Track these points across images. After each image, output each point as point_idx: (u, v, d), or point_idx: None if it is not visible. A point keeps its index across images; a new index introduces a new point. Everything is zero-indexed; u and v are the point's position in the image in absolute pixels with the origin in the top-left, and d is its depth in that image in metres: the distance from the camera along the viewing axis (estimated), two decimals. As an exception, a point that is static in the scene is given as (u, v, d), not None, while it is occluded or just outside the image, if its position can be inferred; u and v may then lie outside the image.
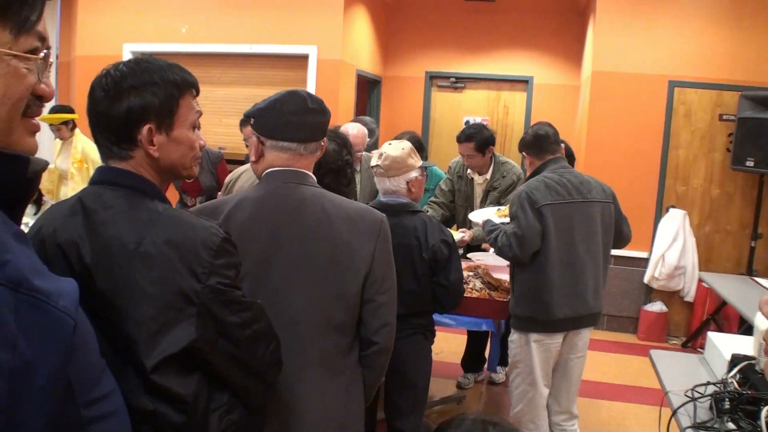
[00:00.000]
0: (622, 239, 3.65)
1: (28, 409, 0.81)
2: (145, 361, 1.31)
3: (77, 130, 5.99)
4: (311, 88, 6.91)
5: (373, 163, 3.04)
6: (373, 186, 4.80)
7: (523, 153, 3.64)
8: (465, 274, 3.75)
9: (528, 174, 3.64)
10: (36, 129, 0.97)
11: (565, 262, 3.35)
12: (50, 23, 9.02)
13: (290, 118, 1.90)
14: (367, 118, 5.59)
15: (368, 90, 8.56)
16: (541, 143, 3.55)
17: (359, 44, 7.49)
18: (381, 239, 1.96)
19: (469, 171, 4.80)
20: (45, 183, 5.79)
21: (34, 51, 0.94)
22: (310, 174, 1.97)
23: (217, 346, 1.41)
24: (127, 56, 7.50)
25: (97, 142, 1.49)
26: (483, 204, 4.80)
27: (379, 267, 1.94)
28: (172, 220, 1.41)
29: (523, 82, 8.29)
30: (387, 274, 1.99)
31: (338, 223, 1.88)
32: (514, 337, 3.50)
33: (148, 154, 1.45)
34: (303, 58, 6.98)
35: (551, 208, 3.31)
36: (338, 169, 2.51)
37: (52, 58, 0.99)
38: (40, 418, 0.83)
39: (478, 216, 4.14)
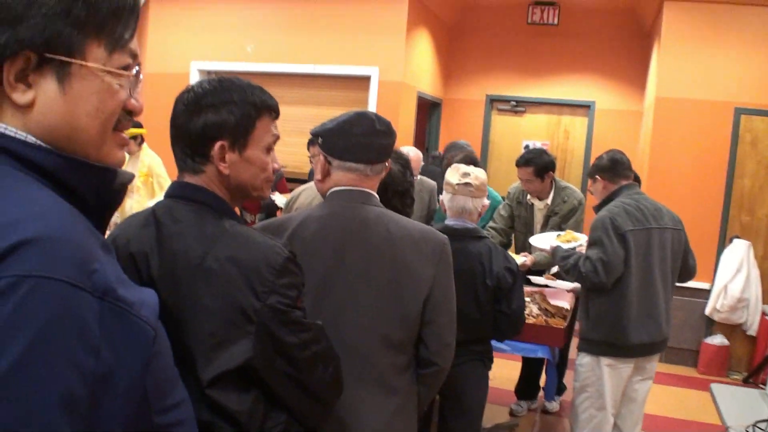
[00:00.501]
0: (688, 272, 3.65)
1: (107, 415, 0.84)
2: (202, 375, 1.35)
3: (144, 145, 6.16)
4: (372, 108, 6.97)
5: (456, 180, 3.02)
6: (424, 209, 4.81)
7: (597, 177, 3.63)
8: (522, 298, 3.74)
9: (600, 199, 3.63)
10: (125, 143, 1.02)
11: (642, 288, 3.37)
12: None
13: (359, 139, 1.94)
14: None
15: (428, 112, 8.60)
16: (617, 168, 3.57)
17: (421, 66, 7.55)
18: (442, 262, 1.97)
19: (529, 196, 4.78)
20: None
21: (127, 68, 0.98)
22: (375, 194, 1.99)
23: (275, 365, 1.42)
24: (194, 74, 7.74)
25: (174, 154, 1.54)
26: (543, 229, 4.76)
27: (439, 289, 1.95)
28: (236, 237, 1.44)
29: (585, 107, 8.21)
30: (447, 297, 2.00)
31: (401, 244, 1.90)
32: (584, 360, 3.49)
33: (219, 171, 1.49)
34: (365, 80, 7.07)
35: (633, 234, 3.33)
36: (404, 191, 2.54)
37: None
38: (118, 423, 0.86)
39: (539, 241, 4.11)
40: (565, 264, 3.49)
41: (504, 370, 5.50)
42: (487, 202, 3.08)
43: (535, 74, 8.28)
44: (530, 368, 4.90)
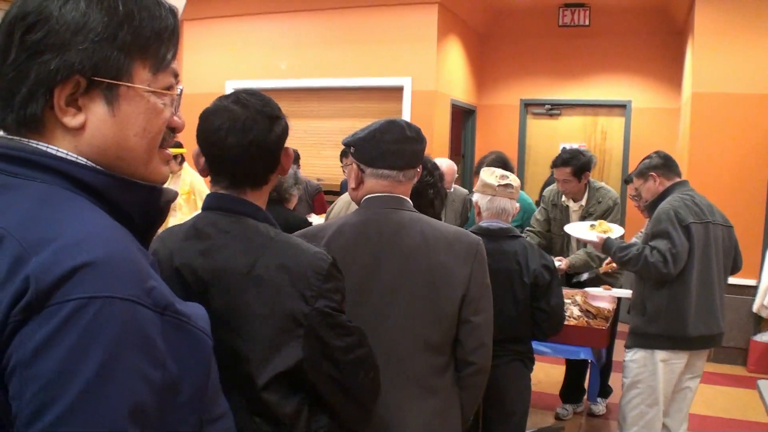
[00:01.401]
0: (735, 268, 3.67)
1: (174, 424, 0.89)
2: (258, 380, 1.40)
3: (185, 164, 6.29)
4: (406, 118, 6.95)
5: (496, 182, 3.04)
6: (457, 218, 4.83)
7: (651, 174, 3.60)
8: (562, 300, 3.74)
9: (653, 196, 3.61)
10: (168, 158, 1.06)
11: (702, 281, 3.38)
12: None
13: (390, 146, 1.98)
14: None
15: (463, 120, 8.62)
16: (670, 164, 3.60)
17: (453, 74, 7.59)
18: (477, 261, 2.00)
19: (563, 198, 4.77)
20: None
21: (170, 87, 1.02)
22: (407, 199, 2.04)
23: (321, 368, 1.47)
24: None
25: (213, 169, 1.61)
26: None
27: (475, 288, 1.98)
28: (283, 245, 1.50)
29: (621, 107, 8.15)
30: (483, 295, 2.03)
31: (435, 246, 1.94)
32: (636, 356, 3.48)
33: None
34: (398, 90, 7.13)
35: (695, 226, 3.35)
36: (418, 190, 2.57)
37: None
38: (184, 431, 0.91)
39: (574, 229, 4.15)
40: (626, 254, 3.45)
41: (549, 376, 5.48)
42: (518, 204, 3.12)
43: (569, 76, 8.26)
44: (574, 371, 4.87)
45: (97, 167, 0.94)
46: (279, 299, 1.43)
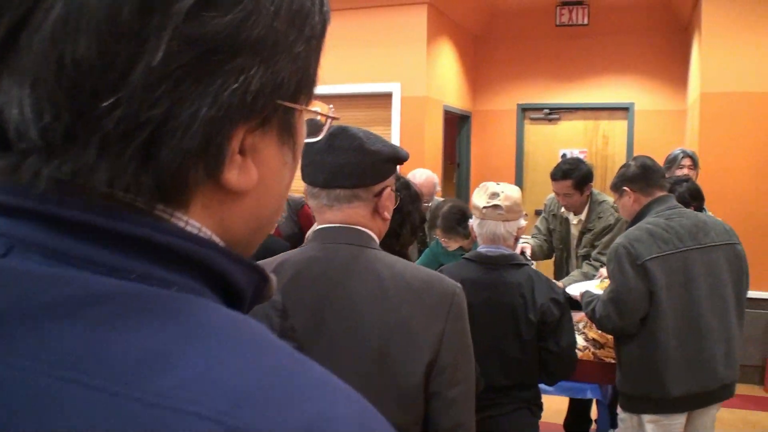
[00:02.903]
0: None
1: None
2: None
3: None
4: (396, 126, 6.64)
5: (483, 202, 2.62)
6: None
7: (625, 189, 3.03)
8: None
9: (631, 217, 3.07)
10: None
11: (684, 327, 2.76)
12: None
13: (314, 157, 1.56)
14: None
15: (457, 126, 8.22)
16: (649, 175, 2.99)
17: (445, 79, 7.19)
18: (452, 317, 1.52)
19: (563, 209, 4.36)
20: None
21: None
22: (368, 232, 1.58)
23: None
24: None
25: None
26: (578, 248, 4.32)
27: (448, 353, 1.50)
28: None
29: (623, 110, 7.73)
30: (460, 362, 1.55)
31: (396, 295, 1.48)
32: (624, 416, 2.94)
33: None
34: (386, 97, 6.74)
35: (659, 261, 2.73)
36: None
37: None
38: None
39: (576, 289, 3.58)
40: (588, 311, 2.97)
41: (551, 402, 5.04)
42: (524, 223, 2.69)
43: (568, 79, 7.85)
44: (579, 400, 4.44)
45: (244, 259, 0.54)
46: None
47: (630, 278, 2.72)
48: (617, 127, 7.84)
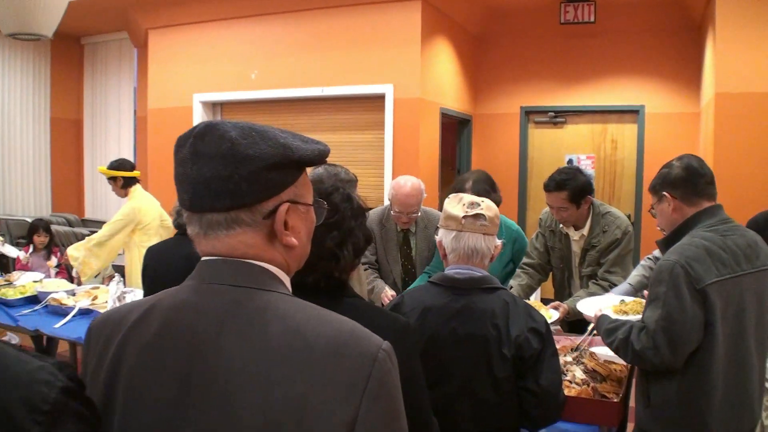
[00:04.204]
0: None
1: None
2: None
3: (135, 190, 5.46)
4: (389, 129, 6.26)
5: (461, 212, 2.21)
6: (431, 251, 3.98)
7: (665, 194, 2.54)
8: (560, 359, 2.86)
9: (669, 228, 2.58)
10: None
11: (732, 362, 2.34)
12: (127, 78, 8.92)
13: (178, 169, 1.15)
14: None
15: (457, 130, 7.82)
16: (695, 181, 2.49)
17: (442, 80, 6.79)
18: (370, 396, 1.03)
19: (561, 225, 3.89)
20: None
21: None
22: (257, 265, 1.15)
23: None
24: (197, 107, 7.18)
25: None
26: (581, 266, 3.86)
27: None
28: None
29: (633, 113, 7.30)
30: None
31: (287, 363, 1.03)
32: None
33: None
34: (379, 99, 6.35)
35: (717, 287, 2.28)
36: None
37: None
38: None
39: (588, 307, 3.17)
40: (613, 340, 2.50)
41: None
42: (499, 242, 2.28)
43: (574, 80, 7.43)
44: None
45: None
46: None
47: (687, 304, 2.26)
48: (627, 131, 7.42)
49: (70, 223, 8.35)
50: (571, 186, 3.61)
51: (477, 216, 2.20)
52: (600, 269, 3.76)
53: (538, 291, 5.54)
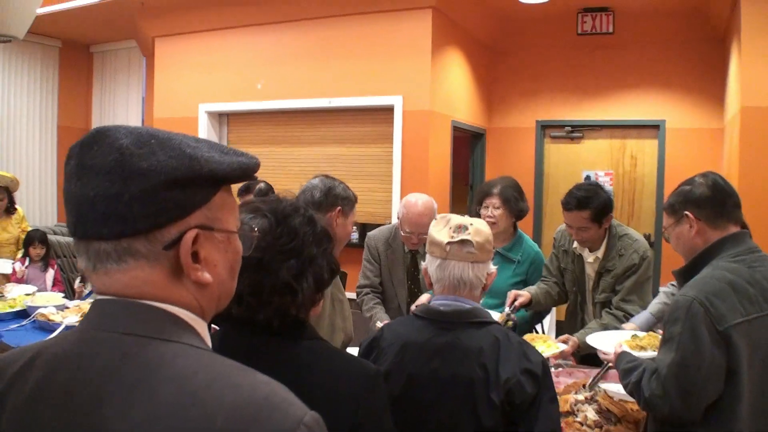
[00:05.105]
0: None
1: None
2: None
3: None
4: (398, 142, 6.01)
5: (446, 237, 1.96)
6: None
7: (687, 214, 2.23)
8: (571, 398, 2.60)
9: (688, 256, 2.28)
10: None
11: (759, 415, 2.04)
12: (136, 87, 8.78)
13: (66, 186, 0.91)
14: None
15: (470, 144, 7.57)
16: (723, 200, 2.20)
17: (454, 92, 6.53)
18: None
19: (575, 246, 3.60)
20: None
21: None
22: (159, 308, 0.91)
23: None
24: (202, 117, 7.01)
25: None
26: (595, 291, 3.56)
27: None
28: None
29: (653, 128, 7.00)
30: None
31: None
32: None
33: None
34: (387, 110, 6.11)
35: (744, 328, 1.98)
36: (262, 264, 1.44)
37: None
38: None
39: (599, 341, 2.89)
40: (627, 383, 2.23)
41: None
42: (493, 269, 2.02)
43: (592, 93, 7.15)
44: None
45: None
46: None
47: (705, 348, 1.96)
48: (647, 147, 7.11)
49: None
50: (594, 204, 3.31)
51: (463, 242, 1.94)
52: (615, 297, 3.46)
53: (553, 320, 5.25)
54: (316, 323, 2.32)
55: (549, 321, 4.94)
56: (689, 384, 1.98)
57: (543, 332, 4.10)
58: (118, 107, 8.98)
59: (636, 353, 2.58)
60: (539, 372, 1.83)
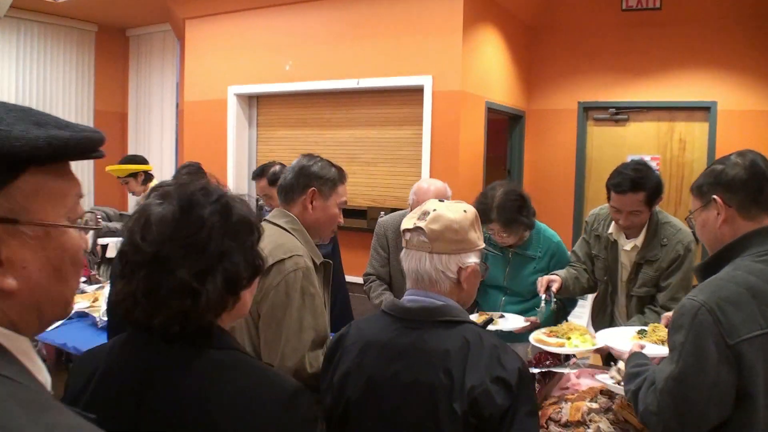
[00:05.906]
0: None
1: None
2: None
3: (153, 184, 5.22)
4: (427, 124, 5.75)
5: (408, 224, 1.77)
6: None
7: (715, 198, 1.91)
8: (584, 405, 2.33)
9: (713, 247, 1.96)
10: None
11: None
12: (170, 71, 8.70)
13: None
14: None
15: (508, 127, 7.26)
16: (761, 187, 1.87)
17: (488, 72, 6.24)
18: None
19: (611, 229, 3.28)
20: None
21: None
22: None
23: None
24: (231, 99, 6.88)
25: None
26: (631, 283, 3.23)
27: None
28: None
29: (704, 110, 6.58)
30: None
31: None
32: None
33: None
34: (417, 91, 5.85)
35: (760, 342, 1.67)
36: (149, 288, 1.23)
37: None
38: None
39: (609, 339, 2.63)
40: (628, 388, 1.95)
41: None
42: (473, 261, 1.75)
43: (638, 73, 6.76)
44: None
45: None
46: None
47: (710, 365, 1.67)
48: (696, 130, 6.70)
49: (108, 217, 8.20)
50: (649, 185, 3.02)
51: (416, 230, 1.72)
52: (661, 294, 3.13)
53: (588, 312, 4.93)
54: (281, 320, 2.09)
55: (587, 313, 4.63)
56: (685, 404, 1.69)
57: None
58: (154, 91, 8.94)
59: (658, 348, 2.30)
60: (513, 381, 1.57)
